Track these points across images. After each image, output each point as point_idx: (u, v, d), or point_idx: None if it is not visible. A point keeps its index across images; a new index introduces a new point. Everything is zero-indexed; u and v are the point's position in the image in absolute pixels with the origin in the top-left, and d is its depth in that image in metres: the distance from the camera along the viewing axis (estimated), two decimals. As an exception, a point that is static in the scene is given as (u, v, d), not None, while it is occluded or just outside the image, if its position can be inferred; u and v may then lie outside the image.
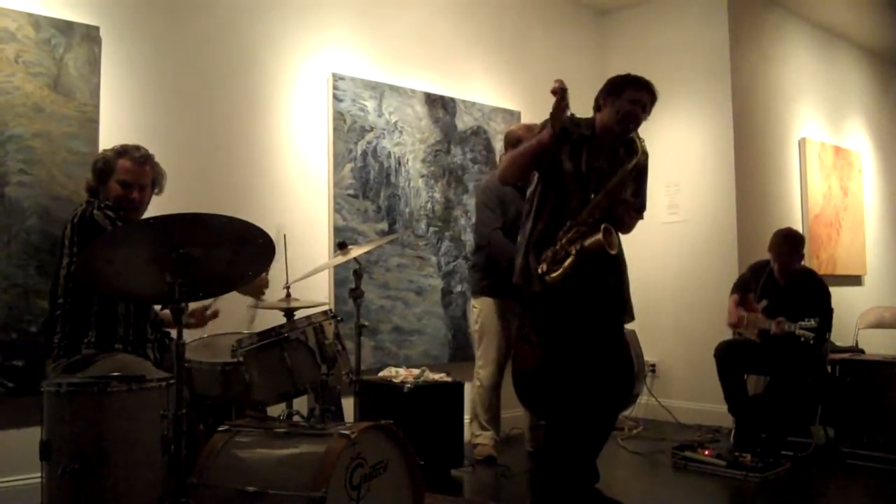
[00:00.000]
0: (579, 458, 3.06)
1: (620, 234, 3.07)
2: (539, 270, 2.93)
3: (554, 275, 2.88)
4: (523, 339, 3.88)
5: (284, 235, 2.89)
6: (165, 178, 2.89)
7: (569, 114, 2.97)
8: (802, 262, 4.35)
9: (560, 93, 2.80)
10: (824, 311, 4.12)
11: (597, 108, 3.07)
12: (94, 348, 2.60)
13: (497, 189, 4.00)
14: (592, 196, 2.96)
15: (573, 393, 2.95)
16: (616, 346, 3.14)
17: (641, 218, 3.15)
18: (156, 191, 2.87)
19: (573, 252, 2.88)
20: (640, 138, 3.02)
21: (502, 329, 4.01)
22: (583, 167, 2.98)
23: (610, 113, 2.99)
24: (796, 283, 4.27)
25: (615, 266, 3.05)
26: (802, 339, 3.96)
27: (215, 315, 3.06)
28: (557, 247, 2.93)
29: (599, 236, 2.86)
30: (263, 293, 3.12)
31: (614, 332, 3.13)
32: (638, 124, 3.01)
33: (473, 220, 4.65)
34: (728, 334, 4.42)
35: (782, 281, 4.28)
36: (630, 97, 2.97)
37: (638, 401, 5.09)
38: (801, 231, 5.72)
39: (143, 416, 2.17)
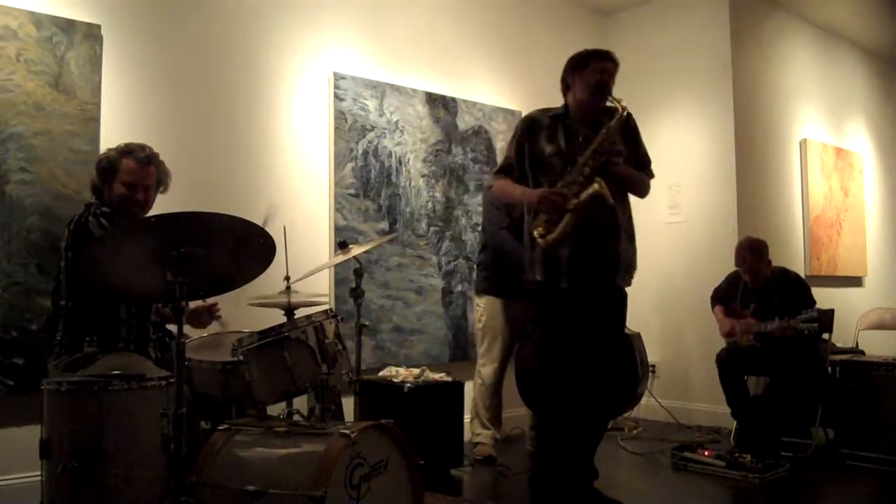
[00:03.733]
0: (577, 456, 3.06)
1: (630, 206, 3.10)
2: (535, 234, 2.88)
3: (551, 236, 2.84)
4: (528, 337, 3.89)
5: (284, 227, 2.89)
6: (170, 177, 2.85)
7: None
8: (772, 265, 4.35)
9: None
10: (811, 302, 4.12)
11: (566, 89, 3.09)
12: (96, 347, 2.60)
13: None
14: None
15: (574, 392, 2.95)
16: (618, 345, 3.14)
17: (652, 176, 3.15)
18: (161, 189, 2.85)
19: (569, 208, 2.83)
20: (617, 99, 2.98)
21: (505, 328, 4.01)
22: (562, 143, 2.99)
23: (580, 87, 3.01)
24: (774, 285, 4.28)
25: (614, 227, 2.99)
26: (806, 332, 3.95)
27: (217, 315, 3.06)
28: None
29: (596, 186, 2.80)
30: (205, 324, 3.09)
31: (616, 330, 3.12)
32: (609, 93, 3.00)
33: (475, 220, 4.67)
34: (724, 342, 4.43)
35: (758, 287, 4.29)
36: (596, 67, 3.00)
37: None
38: (801, 232, 5.78)
39: (144, 415, 2.16)
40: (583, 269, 2.94)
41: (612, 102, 3.00)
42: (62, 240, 2.69)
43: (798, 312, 3.99)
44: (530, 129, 3.08)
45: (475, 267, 4.34)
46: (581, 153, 2.92)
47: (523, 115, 4.96)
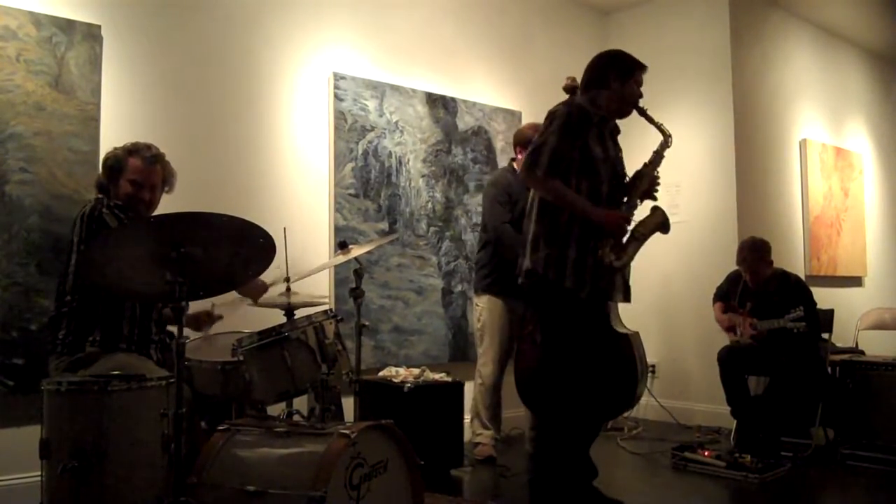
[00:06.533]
0: (577, 456, 3.06)
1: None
2: (603, 259, 2.88)
3: (621, 262, 2.90)
4: (527, 338, 3.88)
5: (284, 229, 2.89)
6: (176, 177, 2.87)
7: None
8: (773, 266, 4.35)
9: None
10: (808, 304, 4.12)
11: (601, 85, 3.01)
12: (98, 347, 2.59)
13: (507, 184, 4.01)
14: (619, 179, 3.00)
15: (578, 395, 2.94)
16: (622, 347, 3.14)
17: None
18: (166, 189, 2.86)
19: (635, 236, 2.95)
20: (659, 123, 3.03)
21: (505, 327, 4.01)
22: (610, 151, 2.99)
23: (618, 93, 3.00)
24: (773, 286, 4.28)
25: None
26: (795, 330, 3.96)
27: (219, 318, 3.07)
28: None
29: (661, 213, 2.95)
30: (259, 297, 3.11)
31: (620, 334, 3.13)
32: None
33: (475, 220, 4.67)
34: (726, 339, 4.43)
35: (758, 288, 4.29)
36: (638, 80, 3.04)
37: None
38: (801, 232, 5.78)
39: (144, 415, 2.16)
40: (611, 282, 2.96)
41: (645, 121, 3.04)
42: (73, 234, 2.66)
43: (787, 312, 4.00)
44: (587, 123, 2.91)
45: (474, 266, 4.33)
46: (613, 164, 2.97)
47: (523, 115, 5.01)
